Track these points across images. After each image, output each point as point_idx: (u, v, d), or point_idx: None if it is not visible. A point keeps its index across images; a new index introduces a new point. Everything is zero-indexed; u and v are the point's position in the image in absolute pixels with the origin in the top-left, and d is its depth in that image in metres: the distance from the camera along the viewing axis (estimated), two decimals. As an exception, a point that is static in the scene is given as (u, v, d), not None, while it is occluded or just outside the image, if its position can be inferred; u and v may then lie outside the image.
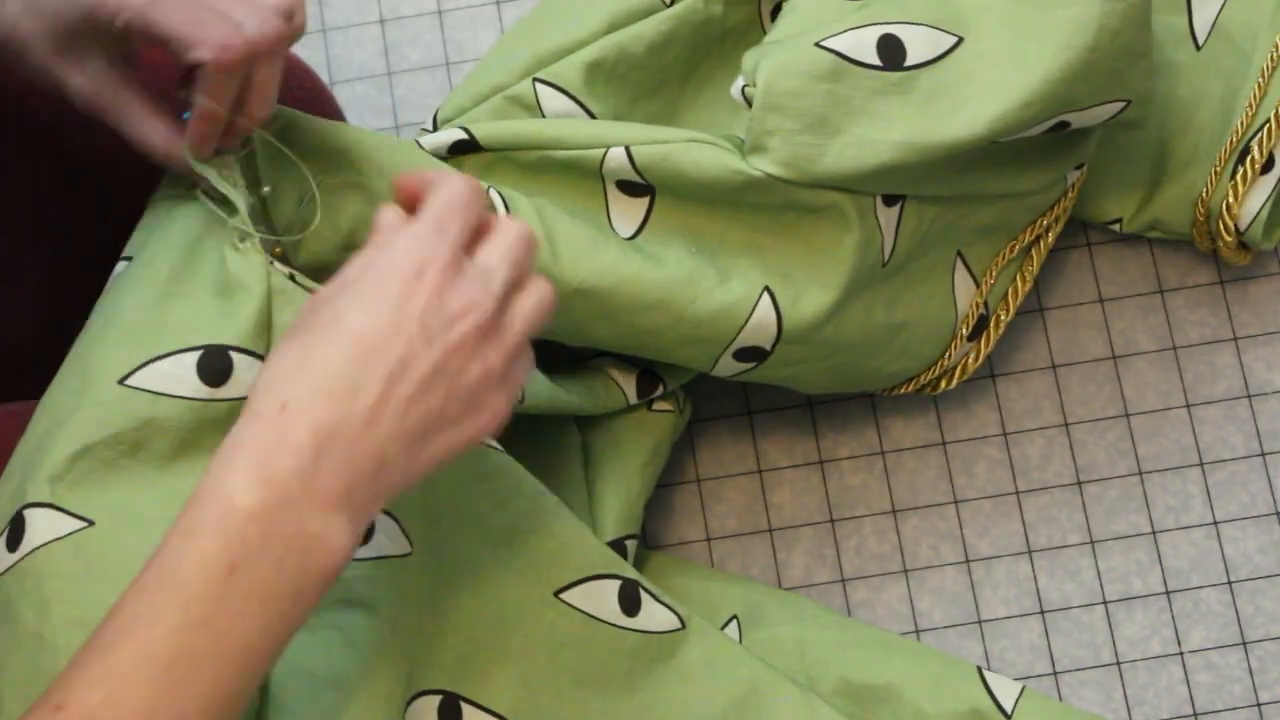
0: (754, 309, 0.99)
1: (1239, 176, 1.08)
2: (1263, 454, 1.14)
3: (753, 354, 1.02)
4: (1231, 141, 1.09)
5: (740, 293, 0.99)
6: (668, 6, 1.06)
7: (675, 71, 1.08)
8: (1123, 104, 1.01)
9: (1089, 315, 1.18)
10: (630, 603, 0.97)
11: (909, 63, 0.98)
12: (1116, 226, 1.14)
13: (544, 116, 1.04)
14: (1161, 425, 1.15)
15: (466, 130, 1.00)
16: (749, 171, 0.98)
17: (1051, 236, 1.10)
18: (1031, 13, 0.98)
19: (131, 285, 0.88)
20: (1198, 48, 1.11)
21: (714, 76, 1.10)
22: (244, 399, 0.82)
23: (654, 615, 0.98)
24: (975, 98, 0.98)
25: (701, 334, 1.00)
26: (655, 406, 1.08)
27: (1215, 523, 1.13)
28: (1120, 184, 1.13)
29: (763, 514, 1.15)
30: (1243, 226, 1.09)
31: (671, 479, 1.15)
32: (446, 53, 1.25)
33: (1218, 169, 1.09)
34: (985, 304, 1.09)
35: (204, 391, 0.85)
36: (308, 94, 1.06)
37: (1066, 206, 1.10)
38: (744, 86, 0.98)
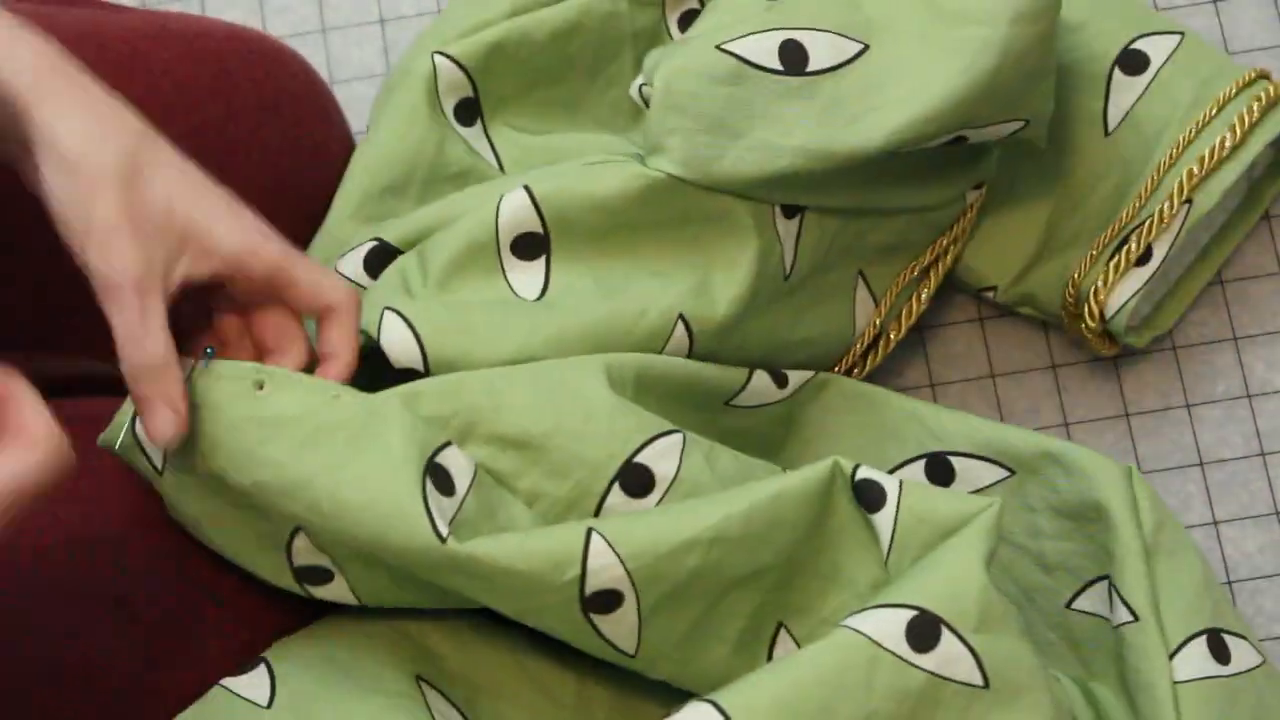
0: (673, 330, 0.98)
1: (1112, 264, 1.07)
2: (1263, 454, 1.14)
3: None
4: (1113, 230, 1.08)
5: (656, 319, 0.98)
6: None
7: (581, 64, 1.08)
8: (1021, 123, 1.02)
9: (1089, 315, 1.18)
10: None
11: (811, 68, 0.98)
12: (991, 294, 1.13)
13: (439, 92, 1.04)
14: (1161, 425, 1.15)
15: (379, 239, 0.99)
16: (650, 173, 0.97)
17: (950, 258, 1.10)
18: (940, 28, 0.98)
19: None
20: (1106, 134, 1.10)
21: (623, 78, 1.10)
22: None
23: None
24: (877, 109, 0.98)
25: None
26: None
27: (1215, 523, 1.13)
28: (1003, 254, 1.12)
29: (763, 514, 1.15)
30: (1108, 314, 1.08)
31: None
32: (446, 53, 1.25)
33: (1094, 253, 1.09)
34: (881, 324, 1.09)
35: None
36: (307, 93, 1.06)
37: (965, 227, 1.09)
38: (642, 85, 0.97)
